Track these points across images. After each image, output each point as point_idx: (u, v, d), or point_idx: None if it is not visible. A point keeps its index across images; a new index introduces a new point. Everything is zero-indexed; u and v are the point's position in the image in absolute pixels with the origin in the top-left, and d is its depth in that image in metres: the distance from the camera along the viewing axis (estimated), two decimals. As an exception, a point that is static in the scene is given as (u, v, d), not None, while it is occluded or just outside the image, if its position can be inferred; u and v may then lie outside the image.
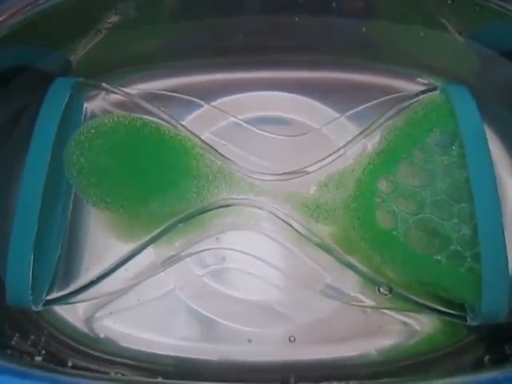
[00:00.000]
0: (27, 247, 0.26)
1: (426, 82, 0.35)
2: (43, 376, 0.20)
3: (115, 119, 0.31)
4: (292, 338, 0.30)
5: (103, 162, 0.30)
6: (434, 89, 0.32)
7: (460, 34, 0.32)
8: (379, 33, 0.34)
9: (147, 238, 0.30)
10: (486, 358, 0.27)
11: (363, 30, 0.34)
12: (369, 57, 0.36)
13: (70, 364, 0.26)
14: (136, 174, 0.30)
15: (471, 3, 0.30)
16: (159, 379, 0.27)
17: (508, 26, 0.30)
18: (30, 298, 0.26)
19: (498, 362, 0.26)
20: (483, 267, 0.25)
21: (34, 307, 0.27)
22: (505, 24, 0.30)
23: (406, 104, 0.31)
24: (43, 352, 0.26)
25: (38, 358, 0.24)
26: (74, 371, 0.24)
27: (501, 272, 0.25)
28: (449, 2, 0.30)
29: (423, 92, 0.32)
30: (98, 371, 0.27)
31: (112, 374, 0.25)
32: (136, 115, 0.32)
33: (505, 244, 0.26)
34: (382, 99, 0.32)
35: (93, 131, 0.31)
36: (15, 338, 0.26)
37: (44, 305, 0.28)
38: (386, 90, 0.35)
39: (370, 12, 0.33)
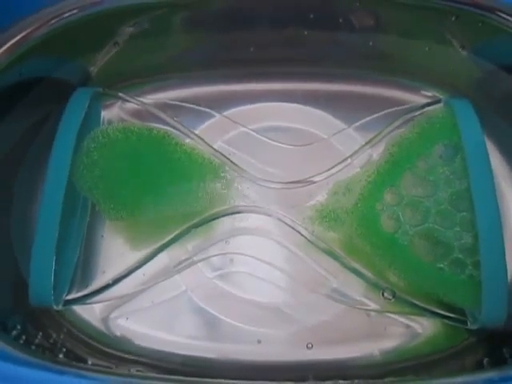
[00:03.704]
0: (49, 251, 0.27)
1: (430, 94, 0.36)
2: (71, 371, 0.21)
3: (125, 127, 0.32)
4: (299, 340, 0.31)
5: (113, 169, 0.31)
6: (438, 102, 0.33)
7: (463, 48, 0.34)
8: (386, 47, 0.35)
9: (160, 243, 0.31)
10: (486, 360, 0.27)
11: (370, 43, 0.35)
12: (375, 69, 0.37)
13: (89, 362, 0.27)
14: (147, 181, 0.31)
15: (474, 19, 0.31)
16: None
17: (508, 42, 0.31)
18: (52, 297, 0.28)
19: (497, 364, 0.27)
20: (483, 274, 0.26)
21: (55, 306, 0.28)
22: (505, 39, 0.31)
23: (410, 116, 0.33)
24: (64, 350, 0.27)
25: (61, 355, 0.26)
26: (96, 367, 0.25)
27: (500, 279, 0.26)
28: (453, 18, 0.31)
29: (427, 105, 0.33)
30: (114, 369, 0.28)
31: (132, 371, 0.26)
32: (148, 124, 0.33)
33: (504, 252, 0.26)
34: (387, 111, 0.33)
35: (102, 139, 0.31)
36: (39, 337, 0.27)
37: (64, 305, 0.29)
38: (391, 102, 0.36)
39: (377, 27, 0.34)
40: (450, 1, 0.30)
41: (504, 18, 0.30)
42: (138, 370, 0.29)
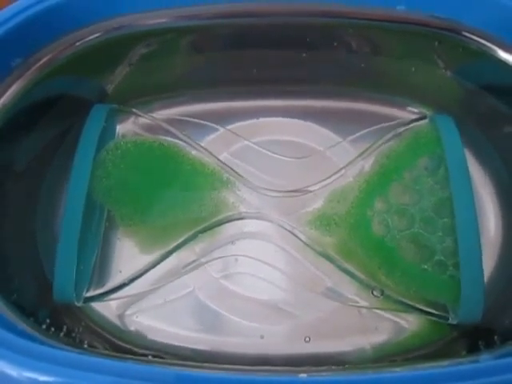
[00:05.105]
0: (71, 253, 0.30)
1: (417, 111, 0.39)
2: (99, 356, 0.24)
3: (138, 140, 0.35)
4: (297, 334, 0.33)
5: (126, 179, 0.33)
6: (424, 118, 0.35)
7: (446, 69, 0.36)
8: (377, 68, 0.38)
9: (170, 247, 0.33)
10: (464, 353, 0.30)
11: (362, 65, 0.37)
12: (368, 88, 0.39)
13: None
14: (158, 190, 0.33)
15: (455, 45, 0.33)
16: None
17: (487, 64, 0.33)
18: (74, 295, 0.30)
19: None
20: (462, 274, 0.29)
21: (76, 303, 0.31)
22: (484, 62, 0.33)
23: (399, 131, 0.35)
24: (86, 342, 0.30)
25: (85, 346, 0.28)
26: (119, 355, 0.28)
27: (477, 279, 0.29)
28: (436, 43, 0.34)
29: (414, 121, 0.35)
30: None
31: (150, 357, 0.28)
32: (159, 137, 0.35)
33: (481, 254, 0.29)
34: (378, 126, 0.35)
35: (116, 151, 0.34)
36: (64, 330, 0.29)
37: (84, 301, 0.32)
38: (382, 118, 0.38)
39: (369, 50, 0.36)
40: (430, 27, 0.33)
41: (482, 44, 0.33)
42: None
